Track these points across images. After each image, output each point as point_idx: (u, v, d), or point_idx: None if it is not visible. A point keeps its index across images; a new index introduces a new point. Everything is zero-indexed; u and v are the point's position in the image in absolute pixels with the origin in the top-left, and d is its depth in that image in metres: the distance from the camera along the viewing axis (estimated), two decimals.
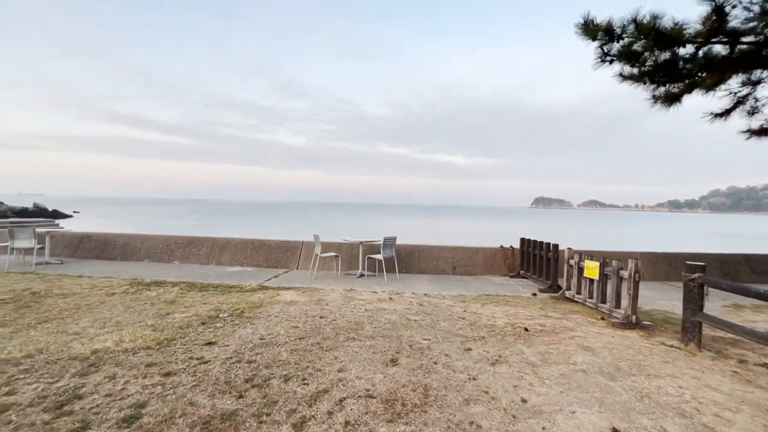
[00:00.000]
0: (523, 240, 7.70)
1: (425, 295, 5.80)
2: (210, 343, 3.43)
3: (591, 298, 5.13)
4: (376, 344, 3.54)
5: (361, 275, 7.34)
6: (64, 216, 58.61)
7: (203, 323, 4.00)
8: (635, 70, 5.77)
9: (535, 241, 7.10)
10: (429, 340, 3.71)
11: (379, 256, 6.92)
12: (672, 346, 3.79)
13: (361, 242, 7.19)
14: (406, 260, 8.16)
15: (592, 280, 5.09)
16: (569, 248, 5.80)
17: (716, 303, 5.48)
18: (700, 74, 5.47)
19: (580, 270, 5.34)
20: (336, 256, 7.34)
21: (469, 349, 3.49)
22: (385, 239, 6.82)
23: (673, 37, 4.97)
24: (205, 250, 8.73)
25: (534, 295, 6.02)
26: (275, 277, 7.10)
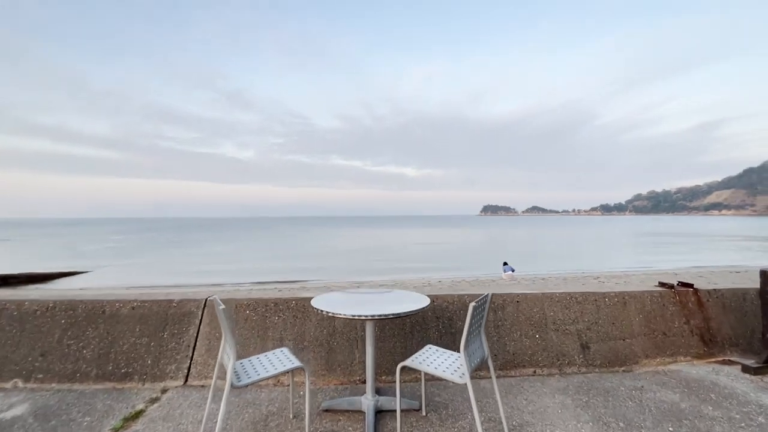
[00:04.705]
0: None
1: None
2: None
3: None
4: None
5: (379, 413, 2.33)
6: None
7: None
8: None
9: None
10: None
11: (449, 373, 1.98)
12: None
13: (371, 318, 2.14)
14: None
15: None
16: None
17: None
18: None
19: None
20: (299, 368, 2.20)
21: None
22: (474, 310, 1.88)
23: None
24: None
25: None
26: None
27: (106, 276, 19.39)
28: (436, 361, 2.17)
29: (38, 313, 3.32)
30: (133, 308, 3.34)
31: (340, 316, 2.08)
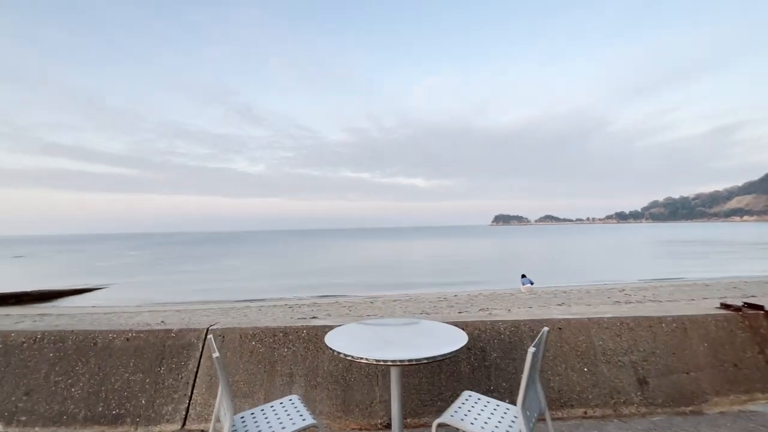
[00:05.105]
0: None
1: None
2: None
3: None
4: None
5: None
6: None
7: None
8: None
9: None
10: None
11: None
12: None
13: (399, 363, 1.72)
14: (503, 366, 2.87)
15: None
16: None
17: None
18: None
19: None
20: (311, 427, 1.81)
21: None
22: (534, 356, 1.47)
23: None
24: None
25: None
26: None
27: (119, 293, 19.36)
28: (481, 415, 1.75)
29: (25, 345, 3.01)
30: (127, 339, 3.01)
31: (362, 361, 1.69)
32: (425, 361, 1.68)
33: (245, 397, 2.80)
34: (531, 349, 1.46)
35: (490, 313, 10.62)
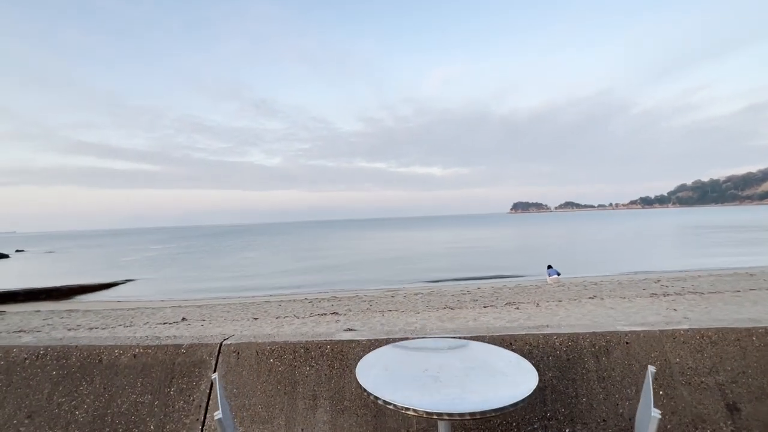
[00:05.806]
0: None
1: None
2: None
3: None
4: None
5: None
6: None
7: None
8: None
9: None
10: None
11: None
12: None
13: (456, 417, 1.30)
14: (561, 388, 2.43)
15: None
16: None
17: None
18: None
19: None
20: None
21: None
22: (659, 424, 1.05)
23: None
24: None
25: None
26: None
27: (143, 288, 19.72)
28: None
29: (27, 362, 2.76)
30: (134, 356, 2.72)
31: (409, 412, 1.29)
32: (492, 414, 1.27)
33: (263, 423, 2.47)
34: (656, 414, 1.03)
35: (517, 308, 10.10)
